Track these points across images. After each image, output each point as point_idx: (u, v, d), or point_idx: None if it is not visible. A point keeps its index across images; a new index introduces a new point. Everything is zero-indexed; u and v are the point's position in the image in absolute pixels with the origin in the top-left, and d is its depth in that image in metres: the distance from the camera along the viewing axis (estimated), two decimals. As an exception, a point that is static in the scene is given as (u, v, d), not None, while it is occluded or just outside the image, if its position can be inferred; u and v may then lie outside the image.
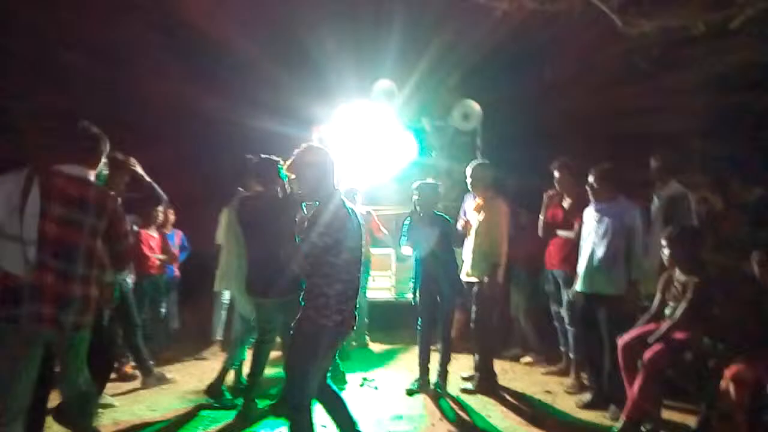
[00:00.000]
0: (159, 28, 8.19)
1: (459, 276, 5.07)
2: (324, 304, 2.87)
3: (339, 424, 3.13)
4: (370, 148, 7.55)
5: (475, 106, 7.47)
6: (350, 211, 2.99)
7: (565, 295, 5.11)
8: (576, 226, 4.96)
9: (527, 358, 6.04)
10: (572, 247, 4.91)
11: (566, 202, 5.22)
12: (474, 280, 5.02)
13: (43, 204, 2.68)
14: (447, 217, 5.09)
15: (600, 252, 4.46)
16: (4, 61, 7.47)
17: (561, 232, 5.19)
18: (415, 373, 5.08)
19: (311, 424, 2.91)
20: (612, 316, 4.38)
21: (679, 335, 3.82)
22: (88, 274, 2.81)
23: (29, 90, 7.14)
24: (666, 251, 4.03)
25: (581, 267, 4.62)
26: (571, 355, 5.20)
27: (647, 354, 3.77)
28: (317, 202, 3.02)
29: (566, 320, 5.15)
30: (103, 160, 3.07)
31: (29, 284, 2.64)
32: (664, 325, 3.88)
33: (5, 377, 2.62)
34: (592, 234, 4.57)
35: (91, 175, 2.93)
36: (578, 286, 4.63)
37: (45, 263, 2.67)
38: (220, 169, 5.47)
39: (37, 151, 3.17)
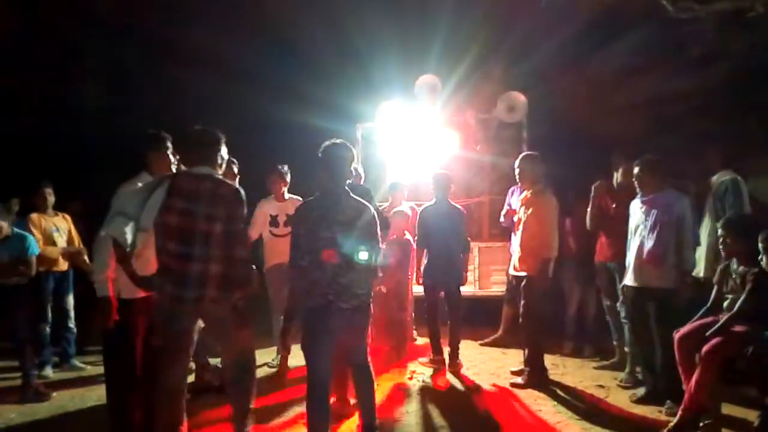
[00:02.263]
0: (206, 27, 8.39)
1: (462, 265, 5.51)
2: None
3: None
4: (414, 144, 7.57)
5: (521, 98, 7.37)
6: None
7: (614, 288, 5.03)
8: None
9: (567, 348, 6.02)
10: (625, 240, 4.81)
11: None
12: (522, 274, 4.98)
13: (167, 199, 3.06)
14: (459, 207, 5.53)
15: (649, 244, 4.36)
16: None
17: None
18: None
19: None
20: (664, 310, 4.27)
21: (738, 328, 3.69)
22: (208, 255, 3.04)
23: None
24: (724, 241, 3.91)
25: (630, 260, 4.52)
26: (626, 349, 5.10)
27: (705, 348, 3.65)
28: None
29: (622, 314, 5.05)
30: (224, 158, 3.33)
31: (159, 267, 3.08)
32: (723, 318, 3.76)
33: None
34: (640, 226, 4.47)
35: (216, 172, 3.23)
36: (627, 279, 4.54)
37: (167, 248, 3.05)
38: (264, 167, 5.56)
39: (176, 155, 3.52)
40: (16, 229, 4.96)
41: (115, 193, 3.36)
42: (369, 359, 3.46)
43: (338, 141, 3.36)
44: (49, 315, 5.40)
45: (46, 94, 8.45)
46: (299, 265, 3.20)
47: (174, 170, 3.55)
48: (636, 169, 4.50)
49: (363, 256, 3.16)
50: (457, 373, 5.28)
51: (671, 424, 3.76)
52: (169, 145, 3.58)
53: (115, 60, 8.40)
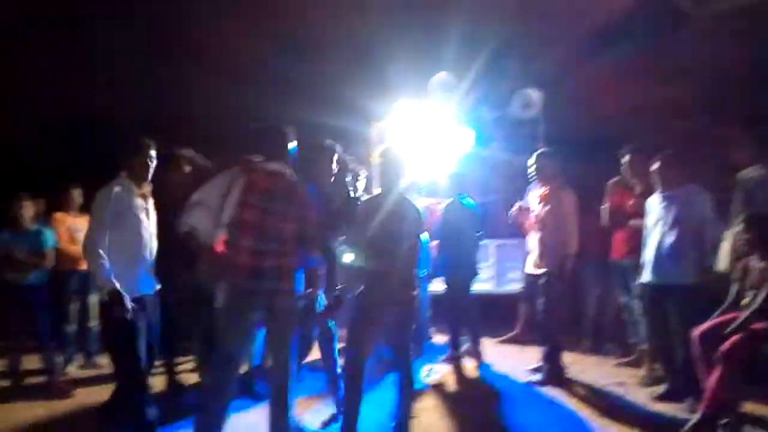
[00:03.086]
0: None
1: (475, 263, 5.61)
2: None
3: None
4: (429, 142, 7.57)
5: (536, 95, 7.33)
6: None
7: (630, 285, 5.01)
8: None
9: (585, 345, 6.01)
10: (641, 237, 4.79)
11: (638, 190, 5.07)
12: (541, 271, 4.96)
13: (244, 194, 3.15)
14: (474, 205, 5.69)
15: (669, 241, 4.33)
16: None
17: (633, 222, 5.05)
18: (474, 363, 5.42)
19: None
20: (683, 307, 4.24)
21: (758, 325, 3.66)
22: (282, 251, 3.15)
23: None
24: (744, 236, 3.87)
25: (648, 257, 4.49)
26: (643, 347, 5.07)
27: (725, 345, 3.63)
28: None
29: (636, 310, 5.01)
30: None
31: (230, 261, 3.14)
32: (743, 315, 3.73)
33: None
34: (659, 223, 4.43)
35: (288, 169, 3.30)
36: (646, 276, 4.51)
37: (242, 243, 3.11)
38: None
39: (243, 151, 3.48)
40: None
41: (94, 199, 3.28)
42: (411, 360, 3.50)
43: (391, 146, 3.61)
44: (73, 314, 5.52)
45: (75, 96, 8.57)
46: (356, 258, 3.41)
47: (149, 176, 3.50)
48: (656, 165, 4.46)
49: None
50: (473, 370, 5.30)
51: (691, 422, 3.74)
52: (151, 152, 3.48)
53: (139, 61, 8.48)
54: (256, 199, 3.15)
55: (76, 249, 5.43)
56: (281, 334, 3.23)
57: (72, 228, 5.52)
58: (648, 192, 4.76)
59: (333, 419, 3.97)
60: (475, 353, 5.62)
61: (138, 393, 3.28)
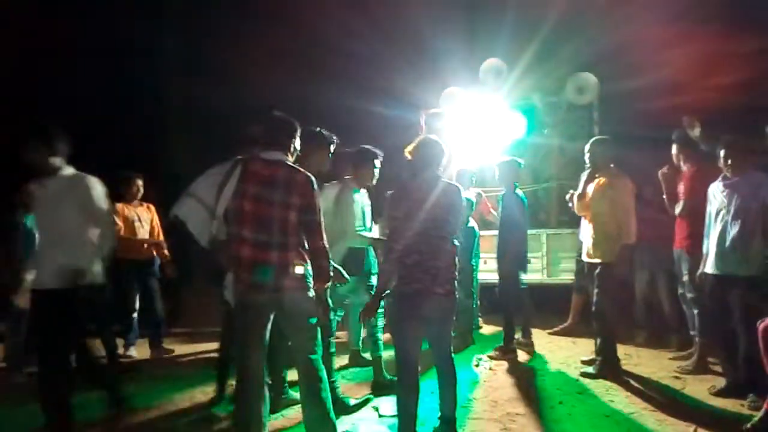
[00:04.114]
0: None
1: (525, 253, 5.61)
2: None
3: None
4: (480, 129, 7.46)
5: (591, 79, 7.11)
6: None
7: (686, 276, 4.85)
8: (681, 201, 4.84)
9: (640, 338, 5.87)
10: (692, 224, 4.68)
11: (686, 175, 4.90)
12: (596, 261, 4.83)
13: (240, 185, 3.05)
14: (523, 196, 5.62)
15: (733, 230, 4.13)
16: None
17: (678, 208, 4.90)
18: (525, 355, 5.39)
19: None
20: (748, 299, 4.04)
21: (829, 319, 3.46)
22: (285, 243, 3.06)
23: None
24: None
25: (711, 247, 4.30)
26: (697, 339, 4.91)
27: (792, 339, 3.45)
28: None
29: (695, 302, 4.84)
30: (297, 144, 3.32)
31: (232, 255, 3.04)
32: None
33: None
34: (722, 211, 4.23)
35: (288, 159, 3.21)
36: (708, 267, 4.32)
37: (242, 236, 3.02)
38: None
39: (244, 140, 3.49)
40: None
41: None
42: (452, 350, 3.43)
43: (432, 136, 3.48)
44: (136, 301, 5.71)
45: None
46: (394, 250, 3.21)
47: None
48: (722, 151, 4.25)
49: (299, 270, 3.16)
50: (524, 361, 5.24)
51: (755, 418, 3.57)
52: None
53: (190, 54, 8.71)
54: (254, 188, 3.04)
55: (136, 238, 5.65)
56: (296, 329, 3.14)
57: (131, 218, 5.70)
58: (697, 179, 4.60)
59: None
60: (527, 344, 5.56)
61: None
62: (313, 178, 3.16)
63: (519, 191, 5.63)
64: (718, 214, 4.28)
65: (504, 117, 7.39)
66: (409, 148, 3.38)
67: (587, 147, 4.96)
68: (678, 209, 4.95)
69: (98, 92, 8.54)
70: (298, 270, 3.09)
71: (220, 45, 8.72)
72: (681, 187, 4.98)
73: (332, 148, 3.94)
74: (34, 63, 8.31)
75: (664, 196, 5.11)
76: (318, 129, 3.90)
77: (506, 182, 5.63)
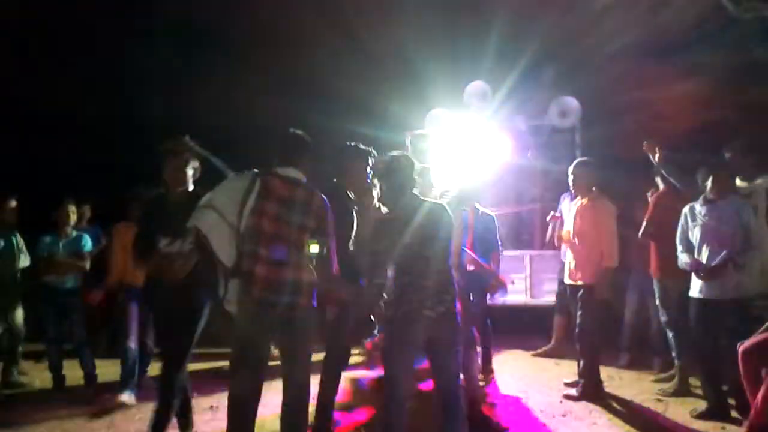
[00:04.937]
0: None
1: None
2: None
3: None
4: (464, 151, 7.51)
5: (573, 102, 7.22)
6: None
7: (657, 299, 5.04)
8: (643, 224, 4.99)
9: (622, 360, 5.91)
10: (655, 248, 4.92)
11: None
12: (579, 283, 4.86)
13: (259, 202, 3.00)
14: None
15: (718, 254, 4.18)
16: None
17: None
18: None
19: None
20: (733, 321, 4.08)
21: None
22: (299, 263, 3.05)
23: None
24: None
25: (695, 271, 4.34)
26: (676, 361, 4.95)
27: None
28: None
29: (663, 319, 5.00)
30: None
31: (245, 271, 2.98)
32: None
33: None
34: (706, 235, 4.28)
35: (302, 177, 3.19)
36: (694, 291, 4.35)
37: (259, 254, 2.97)
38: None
39: (260, 156, 3.37)
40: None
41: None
42: (460, 390, 3.15)
43: (396, 153, 3.31)
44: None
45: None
46: (377, 280, 3.10)
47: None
48: (706, 174, 4.32)
49: (314, 248, 3.09)
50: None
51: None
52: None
53: (175, 69, 8.70)
54: (274, 206, 3.02)
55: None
56: (297, 350, 3.10)
57: (128, 243, 5.37)
58: (660, 201, 4.81)
59: None
60: (485, 369, 5.37)
61: None
62: (327, 202, 3.16)
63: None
64: (702, 238, 4.32)
65: (488, 139, 7.46)
66: (377, 174, 3.24)
67: (570, 169, 5.02)
68: (640, 232, 5.03)
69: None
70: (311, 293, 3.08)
71: (207, 65, 8.74)
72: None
73: (371, 161, 3.86)
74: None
75: (648, 217, 5.16)
76: (354, 143, 3.90)
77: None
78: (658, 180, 5.09)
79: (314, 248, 3.08)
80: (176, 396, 3.43)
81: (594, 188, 4.92)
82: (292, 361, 3.10)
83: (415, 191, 3.22)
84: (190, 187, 3.61)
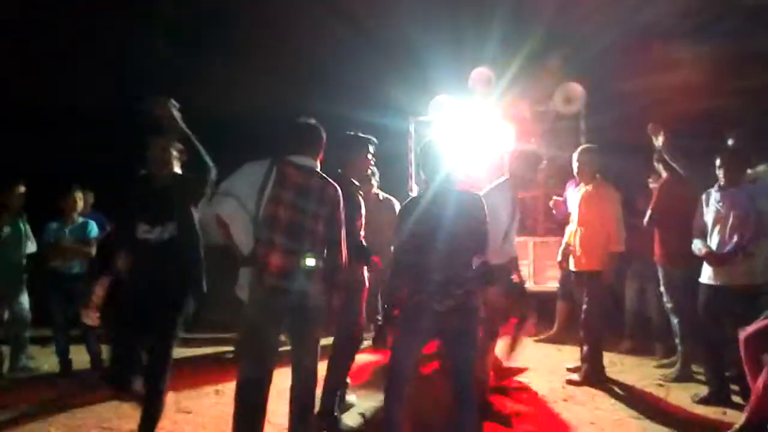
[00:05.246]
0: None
1: None
2: None
3: None
4: (468, 138, 7.51)
5: (578, 88, 7.18)
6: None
7: (662, 286, 5.02)
8: (648, 211, 4.94)
9: (625, 346, 5.93)
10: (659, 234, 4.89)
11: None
12: (584, 270, 4.87)
13: (276, 190, 3.02)
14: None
15: (732, 241, 4.15)
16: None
17: None
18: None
19: None
20: (741, 308, 4.05)
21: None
22: (312, 251, 3.06)
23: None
24: None
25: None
26: (680, 347, 4.97)
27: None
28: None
29: (670, 311, 4.98)
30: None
31: (260, 259, 2.99)
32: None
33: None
34: (719, 222, 4.25)
35: (316, 165, 3.21)
36: (705, 277, 4.34)
37: (274, 241, 2.99)
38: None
39: (275, 143, 3.34)
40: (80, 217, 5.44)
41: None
42: (476, 392, 3.09)
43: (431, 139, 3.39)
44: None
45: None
46: (400, 263, 3.12)
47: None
48: (719, 160, 4.29)
49: (310, 261, 3.06)
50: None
51: (736, 426, 3.61)
52: None
53: (174, 56, 8.68)
54: (290, 195, 3.03)
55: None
56: (308, 337, 3.13)
57: None
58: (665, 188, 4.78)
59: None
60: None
61: None
62: (340, 192, 3.18)
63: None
64: (714, 224, 4.31)
65: (493, 125, 7.45)
66: (421, 155, 3.29)
67: (575, 156, 5.01)
68: (645, 219, 5.01)
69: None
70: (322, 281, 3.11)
71: (210, 52, 8.73)
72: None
73: (372, 149, 3.91)
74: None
75: (654, 204, 5.15)
76: (354, 132, 3.91)
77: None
78: (660, 166, 5.06)
79: (310, 261, 3.06)
80: (162, 407, 3.27)
81: (597, 175, 4.92)
82: (301, 347, 3.13)
83: (450, 180, 3.19)
84: (176, 170, 3.44)
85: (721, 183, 4.28)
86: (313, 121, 3.30)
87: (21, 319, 5.40)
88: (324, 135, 3.29)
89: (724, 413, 4.03)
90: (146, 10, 8.60)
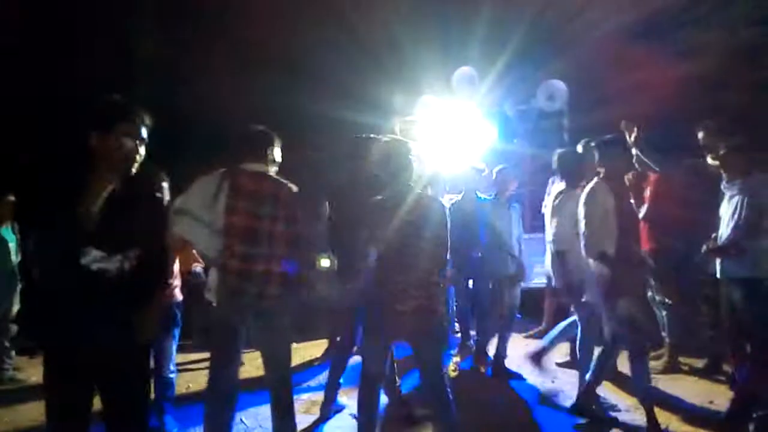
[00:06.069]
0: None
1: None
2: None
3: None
4: (452, 136, 7.53)
5: (561, 86, 7.24)
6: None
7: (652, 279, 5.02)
8: (645, 205, 5.01)
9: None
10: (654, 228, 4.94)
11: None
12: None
13: (230, 199, 3.09)
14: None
15: (734, 233, 4.12)
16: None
17: None
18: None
19: None
20: (748, 302, 3.94)
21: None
22: (271, 254, 3.12)
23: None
24: None
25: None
26: (667, 340, 5.03)
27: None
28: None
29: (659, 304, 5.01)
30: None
31: (221, 264, 3.11)
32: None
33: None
34: (726, 215, 4.21)
35: (269, 170, 3.27)
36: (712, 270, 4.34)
37: (233, 248, 3.08)
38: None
39: (225, 153, 3.39)
40: None
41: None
42: (448, 385, 3.09)
43: (394, 137, 3.39)
44: None
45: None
46: (358, 266, 3.19)
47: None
48: (721, 151, 4.27)
49: (325, 263, 3.13)
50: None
51: (722, 413, 3.66)
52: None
53: (168, 57, 8.63)
54: (243, 203, 3.11)
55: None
56: (270, 339, 3.22)
57: None
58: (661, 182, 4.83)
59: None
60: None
61: None
62: (296, 191, 3.21)
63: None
64: (722, 217, 4.23)
65: (477, 125, 7.48)
66: (377, 155, 3.31)
67: (556, 155, 5.01)
68: (641, 213, 5.04)
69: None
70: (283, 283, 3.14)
71: (196, 51, 8.68)
72: (647, 192, 5.09)
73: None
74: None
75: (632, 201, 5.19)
76: (364, 135, 3.95)
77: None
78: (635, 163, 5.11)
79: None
80: None
81: (585, 174, 4.92)
82: (269, 353, 3.24)
83: (412, 180, 3.19)
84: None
85: (724, 178, 4.21)
86: (262, 128, 3.35)
87: (3, 329, 5.33)
88: (275, 139, 3.33)
89: (711, 402, 4.09)
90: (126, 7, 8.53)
